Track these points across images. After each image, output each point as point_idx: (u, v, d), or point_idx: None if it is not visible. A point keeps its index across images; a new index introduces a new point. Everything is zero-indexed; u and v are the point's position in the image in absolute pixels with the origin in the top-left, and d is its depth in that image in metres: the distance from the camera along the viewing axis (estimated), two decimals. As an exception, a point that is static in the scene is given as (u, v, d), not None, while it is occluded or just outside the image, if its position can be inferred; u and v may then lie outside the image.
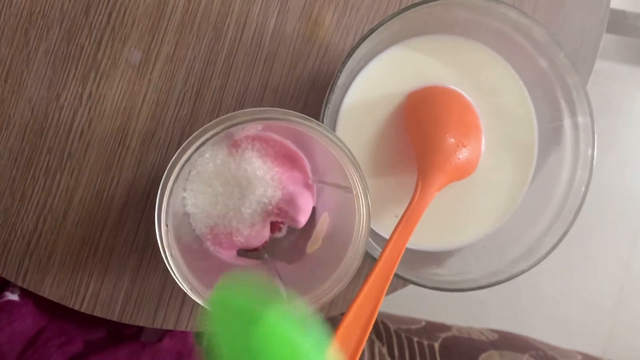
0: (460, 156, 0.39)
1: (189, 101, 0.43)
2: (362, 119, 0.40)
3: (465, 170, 0.40)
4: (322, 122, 0.35)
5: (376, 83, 0.40)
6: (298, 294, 0.31)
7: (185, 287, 0.29)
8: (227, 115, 0.29)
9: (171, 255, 0.29)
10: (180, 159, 0.29)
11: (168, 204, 0.29)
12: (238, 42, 0.43)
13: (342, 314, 0.43)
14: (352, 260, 0.31)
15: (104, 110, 0.42)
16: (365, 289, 0.34)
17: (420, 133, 0.39)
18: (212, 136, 0.28)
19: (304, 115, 0.30)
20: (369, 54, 0.40)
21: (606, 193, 1.00)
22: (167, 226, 0.29)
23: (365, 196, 0.30)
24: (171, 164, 0.29)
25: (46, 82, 0.41)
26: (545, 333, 0.69)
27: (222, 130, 0.28)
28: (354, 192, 0.30)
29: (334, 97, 0.37)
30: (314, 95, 0.44)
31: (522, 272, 0.39)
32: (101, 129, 0.42)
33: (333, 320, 0.52)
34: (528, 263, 0.39)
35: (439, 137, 0.39)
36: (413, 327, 0.59)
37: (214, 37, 0.43)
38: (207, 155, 0.37)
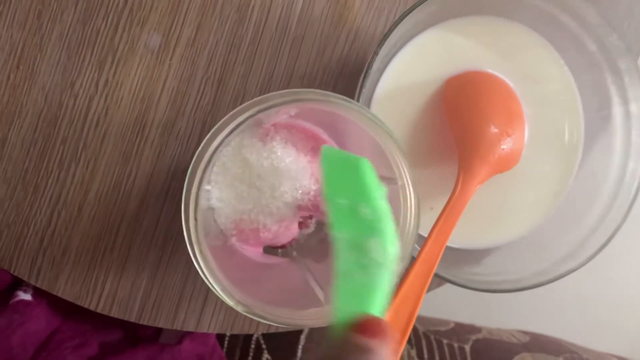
0: (504, 146, 0.36)
1: (210, 89, 0.40)
2: (397, 106, 0.37)
3: (508, 162, 0.37)
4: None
5: (412, 68, 0.38)
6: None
7: (216, 288, 0.26)
8: (260, 97, 0.26)
9: (200, 252, 0.26)
10: (209, 145, 0.26)
11: (197, 196, 0.26)
12: (263, 25, 0.40)
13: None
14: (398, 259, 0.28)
15: (121, 98, 0.39)
16: (403, 291, 0.32)
17: (461, 121, 0.37)
18: (245, 119, 0.26)
19: (345, 97, 0.27)
20: (404, 37, 0.37)
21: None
22: (196, 221, 0.26)
23: (414, 187, 0.27)
24: (200, 151, 0.26)
25: (60, 68, 0.39)
26: (574, 335, 0.66)
27: (257, 113, 0.25)
28: (399, 184, 0.27)
29: (368, 82, 0.34)
30: (342, 82, 0.41)
31: (570, 271, 0.37)
32: (118, 118, 0.40)
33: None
34: (576, 262, 0.37)
35: (482, 126, 0.36)
36: (442, 329, 0.57)
37: (237, 20, 0.40)
38: (233, 144, 0.34)
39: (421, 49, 0.37)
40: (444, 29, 0.38)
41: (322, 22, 0.40)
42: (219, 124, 0.26)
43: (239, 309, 0.27)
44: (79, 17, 0.39)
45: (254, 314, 0.27)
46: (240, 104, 0.41)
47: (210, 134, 0.26)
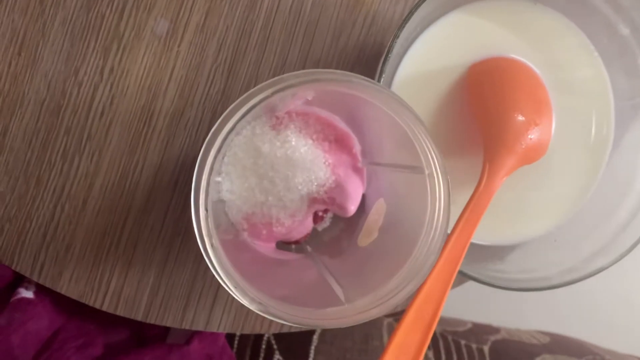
0: (531, 136, 0.34)
1: (220, 77, 0.38)
2: (418, 93, 0.35)
3: (536, 153, 0.35)
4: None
5: (433, 53, 0.35)
6: (356, 294, 0.26)
7: (228, 284, 0.25)
8: (275, 78, 0.24)
9: (211, 246, 0.24)
10: (221, 130, 0.24)
11: (208, 184, 0.24)
12: (275, 10, 0.38)
13: (398, 319, 0.39)
14: (425, 255, 0.26)
15: (127, 87, 0.38)
16: (426, 288, 0.30)
17: (486, 109, 0.35)
18: (259, 101, 0.24)
19: (368, 78, 0.25)
20: (425, 20, 0.35)
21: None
22: (206, 211, 0.24)
23: (444, 176, 0.25)
24: (210, 137, 0.24)
25: (64, 55, 0.37)
26: (596, 336, 0.64)
27: (272, 94, 0.23)
28: (427, 172, 0.25)
29: (387, 68, 0.32)
30: (359, 68, 0.39)
31: (601, 269, 0.35)
32: (124, 107, 0.38)
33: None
34: (608, 259, 0.35)
35: (508, 114, 0.34)
36: (459, 329, 0.55)
37: (248, 4, 0.38)
38: (244, 133, 0.32)
39: (443, 33, 0.35)
40: (467, 12, 0.36)
41: (337, 6, 0.38)
42: (231, 107, 0.24)
43: (254, 307, 0.25)
44: (83, 2, 0.37)
45: (269, 313, 0.25)
46: (241, 97, 0.39)
47: (222, 117, 0.24)
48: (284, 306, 0.25)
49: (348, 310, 0.25)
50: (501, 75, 0.35)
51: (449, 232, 0.32)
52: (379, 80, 0.32)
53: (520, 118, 0.34)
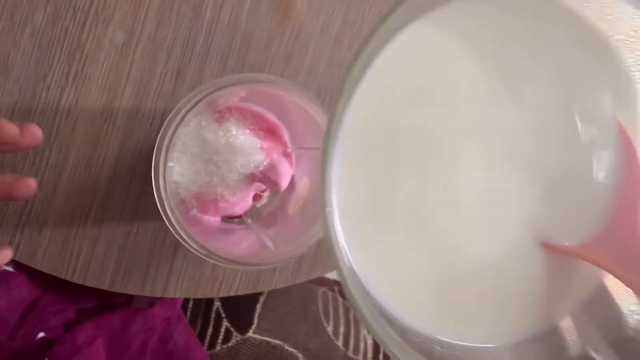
0: None
1: (170, 80, 0.45)
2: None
3: None
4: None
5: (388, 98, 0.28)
6: (284, 245, 0.34)
7: (186, 240, 0.32)
8: (216, 80, 0.31)
9: (171, 210, 0.31)
10: (173, 121, 0.31)
11: (165, 161, 0.31)
12: (216, 22, 0.45)
13: (331, 288, 0.46)
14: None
15: (90, 89, 0.44)
16: None
17: None
18: (203, 97, 0.31)
19: (287, 80, 0.32)
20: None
21: None
22: (164, 180, 0.31)
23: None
24: (165, 126, 0.31)
25: (33, 63, 0.43)
26: None
27: (213, 92, 0.31)
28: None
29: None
30: (289, 72, 0.47)
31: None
32: (87, 107, 0.44)
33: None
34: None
35: None
36: None
37: (192, 18, 0.45)
38: (192, 125, 0.39)
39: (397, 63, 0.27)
40: (433, 24, 0.27)
41: (269, 18, 0.46)
42: (181, 102, 0.31)
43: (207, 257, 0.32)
44: (48, 18, 0.43)
45: (218, 257, 0.32)
46: (188, 94, 0.46)
47: (173, 111, 0.31)
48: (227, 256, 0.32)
49: (278, 256, 0.33)
50: None
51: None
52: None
53: None
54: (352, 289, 0.23)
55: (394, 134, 0.28)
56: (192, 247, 0.32)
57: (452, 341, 0.30)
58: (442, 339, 0.30)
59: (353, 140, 0.27)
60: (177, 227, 0.32)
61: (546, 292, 0.31)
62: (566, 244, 0.31)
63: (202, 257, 0.33)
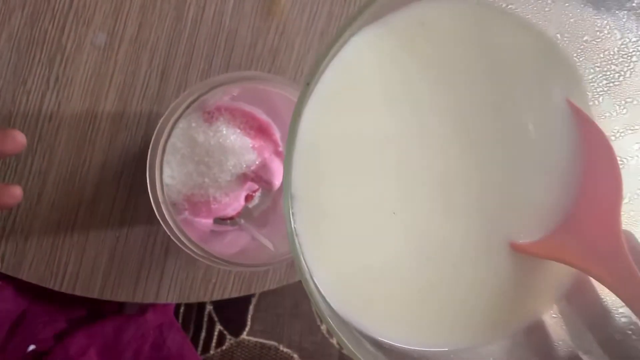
0: None
1: (154, 81, 0.44)
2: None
3: None
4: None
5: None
6: (282, 244, 0.33)
7: (183, 241, 0.31)
8: (209, 79, 0.31)
9: (168, 211, 0.31)
10: (168, 122, 0.30)
11: (161, 164, 0.30)
12: (199, 21, 0.45)
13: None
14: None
15: (72, 93, 0.43)
16: None
17: None
18: (199, 96, 0.30)
19: (280, 76, 0.32)
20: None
21: None
22: (161, 180, 0.30)
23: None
24: (159, 128, 0.30)
25: (11, 68, 0.42)
26: None
27: (208, 90, 0.30)
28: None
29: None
30: (275, 69, 0.46)
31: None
32: (70, 111, 0.43)
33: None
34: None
35: None
36: None
37: (175, 17, 0.44)
38: (181, 126, 0.38)
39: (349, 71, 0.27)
40: (384, 27, 0.27)
41: (252, 17, 0.45)
42: (175, 102, 0.30)
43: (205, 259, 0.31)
44: (26, 20, 0.42)
45: (218, 260, 0.31)
46: (182, 93, 0.45)
47: (168, 110, 0.30)
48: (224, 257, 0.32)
49: (279, 255, 0.32)
50: None
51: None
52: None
53: None
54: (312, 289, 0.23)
55: (347, 140, 0.28)
56: (191, 250, 0.31)
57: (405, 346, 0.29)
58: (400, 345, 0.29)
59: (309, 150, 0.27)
60: (174, 229, 0.31)
61: (519, 291, 0.31)
62: (532, 239, 0.30)
63: (201, 259, 0.32)
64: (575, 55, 0.28)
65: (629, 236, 0.27)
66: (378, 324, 0.29)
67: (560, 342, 0.29)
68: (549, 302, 0.31)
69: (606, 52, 0.27)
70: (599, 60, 0.28)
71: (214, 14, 0.45)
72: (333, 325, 0.24)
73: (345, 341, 0.24)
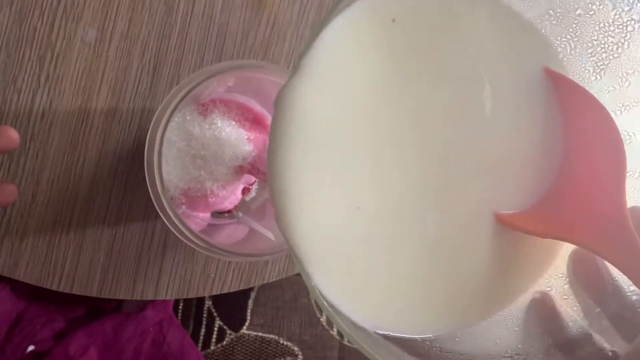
0: None
1: (147, 76, 0.44)
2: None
3: None
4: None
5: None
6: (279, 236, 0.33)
7: (186, 234, 0.31)
8: (202, 69, 0.30)
9: (168, 203, 0.30)
10: (163, 114, 0.30)
11: (160, 161, 0.30)
12: (190, 14, 0.44)
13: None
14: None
15: (64, 90, 0.42)
16: None
17: None
18: (193, 87, 0.30)
19: (276, 65, 0.32)
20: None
21: None
22: (160, 175, 0.30)
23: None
24: (154, 122, 0.30)
25: (1, 66, 0.41)
26: None
27: (204, 80, 0.30)
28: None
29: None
30: (268, 61, 0.46)
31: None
32: (62, 109, 0.43)
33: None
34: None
35: None
36: None
37: (166, 11, 0.44)
38: (176, 120, 0.38)
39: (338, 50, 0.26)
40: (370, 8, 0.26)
41: (243, 8, 0.45)
42: (171, 93, 0.30)
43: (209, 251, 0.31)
44: (14, 17, 0.41)
45: (222, 251, 0.31)
46: (176, 85, 0.45)
47: (164, 102, 0.30)
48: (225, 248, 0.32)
49: (277, 246, 0.32)
50: None
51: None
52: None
53: None
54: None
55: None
56: (192, 242, 0.31)
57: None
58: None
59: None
60: (175, 221, 0.31)
61: (509, 266, 0.30)
62: (517, 210, 0.29)
63: (202, 251, 0.32)
64: (570, 30, 0.28)
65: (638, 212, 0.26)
66: (370, 312, 0.28)
67: (571, 323, 0.29)
68: (540, 277, 0.30)
69: (601, 25, 0.27)
70: (595, 33, 0.27)
71: (205, 8, 0.44)
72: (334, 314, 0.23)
73: (345, 327, 0.23)
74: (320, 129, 0.26)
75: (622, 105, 0.28)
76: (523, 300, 0.30)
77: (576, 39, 0.28)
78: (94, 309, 0.47)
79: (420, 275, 0.29)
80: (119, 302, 0.48)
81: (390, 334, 0.27)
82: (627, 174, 0.26)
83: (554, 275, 0.31)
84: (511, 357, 0.28)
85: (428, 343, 0.28)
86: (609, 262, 0.26)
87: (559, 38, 0.29)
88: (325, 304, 0.24)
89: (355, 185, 0.27)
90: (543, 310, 0.30)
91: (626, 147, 0.26)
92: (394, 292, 0.28)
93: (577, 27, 0.28)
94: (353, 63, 0.26)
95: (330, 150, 0.26)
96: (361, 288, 0.27)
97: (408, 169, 0.28)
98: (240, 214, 0.42)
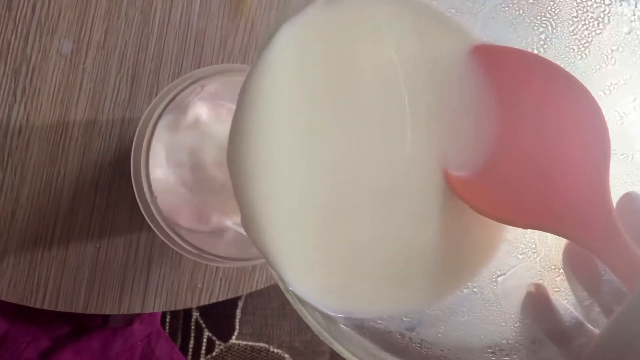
0: None
1: (125, 86, 0.43)
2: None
3: None
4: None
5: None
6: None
7: (174, 238, 0.30)
8: (186, 75, 0.30)
9: (157, 209, 0.30)
10: (148, 122, 0.30)
11: (147, 165, 0.30)
12: (167, 23, 0.44)
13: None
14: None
15: (41, 104, 0.42)
16: None
17: None
18: (179, 92, 0.30)
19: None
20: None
21: None
22: (148, 183, 0.30)
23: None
24: (139, 131, 0.30)
25: (-25, 82, 0.41)
26: None
27: (189, 85, 0.30)
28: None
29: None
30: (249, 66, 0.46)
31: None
32: (40, 122, 0.42)
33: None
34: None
35: None
36: None
37: (142, 21, 0.43)
38: (160, 128, 0.38)
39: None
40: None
41: (220, 16, 0.45)
42: (154, 101, 0.30)
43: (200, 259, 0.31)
44: (-13, 31, 0.41)
45: (213, 257, 0.31)
46: (154, 97, 0.44)
47: (148, 109, 0.30)
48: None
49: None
50: None
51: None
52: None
53: None
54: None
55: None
56: (182, 248, 0.31)
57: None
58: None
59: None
60: (165, 229, 0.30)
61: (463, 239, 0.28)
62: (465, 171, 0.28)
63: (192, 257, 0.31)
64: (549, 8, 0.28)
65: (633, 197, 0.25)
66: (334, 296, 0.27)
67: (564, 315, 0.29)
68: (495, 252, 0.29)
69: (578, 0, 0.27)
70: (574, 10, 0.28)
71: (182, 16, 0.44)
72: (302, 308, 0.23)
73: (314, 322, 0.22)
74: (275, 120, 0.25)
75: (610, 84, 0.28)
76: (508, 293, 0.30)
77: (555, 16, 0.28)
78: (79, 326, 0.46)
79: (376, 249, 0.27)
80: (105, 318, 0.47)
81: (357, 316, 0.26)
82: (621, 157, 0.26)
83: (546, 267, 0.30)
84: (494, 352, 0.28)
85: (408, 339, 0.28)
86: (588, 250, 0.25)
87: (538, 17, 0.28)
88: (294, 297, 0.23)
89: (312, 171, 0.26)
90: (538, 303, 0.30)
91: (617, 129, 0.26)
92: (354, 271, 0.27)
93: (555, 5, 0.28)
94: (302, 62, 0.26)
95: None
96: (323, 271, 0.27)
97: (360, 131, 0.27)
98: (229, 222, 0.41)
